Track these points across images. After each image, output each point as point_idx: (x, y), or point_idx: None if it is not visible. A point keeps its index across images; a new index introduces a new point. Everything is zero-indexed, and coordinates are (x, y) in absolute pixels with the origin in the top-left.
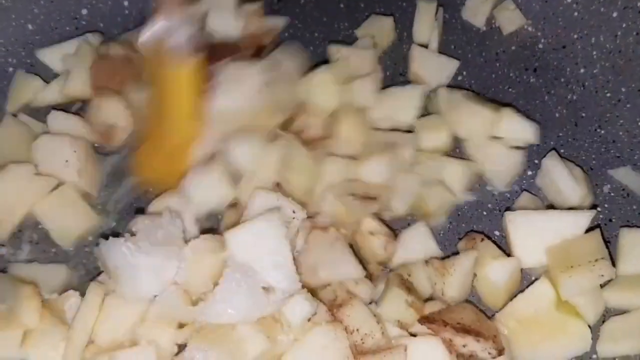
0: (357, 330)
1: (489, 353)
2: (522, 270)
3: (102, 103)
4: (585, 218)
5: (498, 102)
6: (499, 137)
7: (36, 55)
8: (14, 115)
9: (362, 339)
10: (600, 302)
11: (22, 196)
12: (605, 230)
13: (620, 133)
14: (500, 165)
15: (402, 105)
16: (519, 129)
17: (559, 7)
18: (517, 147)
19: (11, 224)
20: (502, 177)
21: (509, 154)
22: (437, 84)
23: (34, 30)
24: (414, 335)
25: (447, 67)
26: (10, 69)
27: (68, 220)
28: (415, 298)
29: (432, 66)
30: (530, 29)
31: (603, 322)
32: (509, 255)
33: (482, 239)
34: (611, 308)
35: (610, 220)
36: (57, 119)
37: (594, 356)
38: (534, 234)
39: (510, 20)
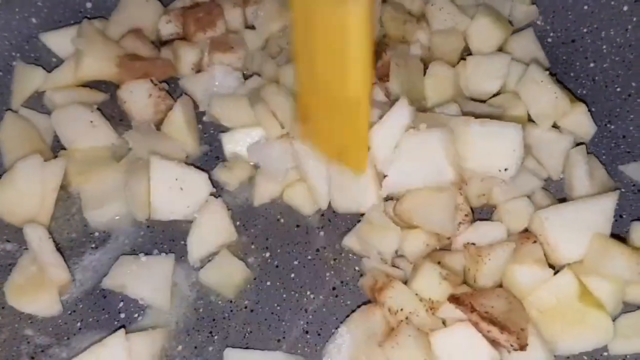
0: (402, 310)
1: (511, 345)
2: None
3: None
4: (610, 202)
5: (572, 93)
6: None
7: (41, 39)
8: (15, 111)
9: (407, 318)
10: (621, 296)
11: (41, 186)
12: (616, 226)
13: (631, 128)
14: (557, 153)
15: (488, 74)
16: (582, 126)
17: (568, 1)
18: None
19: (47, 213)
20: (558, 165)
21: (566, 143)
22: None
23: (37, 24)
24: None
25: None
26: (15, 63)
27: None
28: (449, 272)
29: None
30: (539, 22)
31: (614, 320)
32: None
33: (535, 241)
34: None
35: (621, 217)
36: (60, 95)
37: (605, 353)
38: (571, 228)
39: (526, 14)
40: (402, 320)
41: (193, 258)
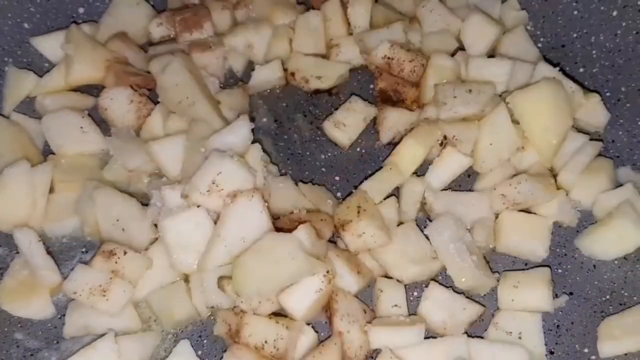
0: (266, 342)
1: None
2: None
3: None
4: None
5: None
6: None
7: (32, 43)
8: (6, 116)
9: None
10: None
11: (30, 191)
12: None
13: (620, 133)
14: (570, 149)
15: (491, 77)
16: (596, 116)
17: (558, 6)
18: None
19: (39, 217)
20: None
21: (579, 139)
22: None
23: (30, 29)
24: None
25: None
26: (6, 68)
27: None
28: None
29: None
30: (529, 27)
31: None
32: None
33: None
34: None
35: None
36: (51, 100)
37: (593, 357)
38: None
39: (515, 19)
40: (271, 352)
41: (140, 294)
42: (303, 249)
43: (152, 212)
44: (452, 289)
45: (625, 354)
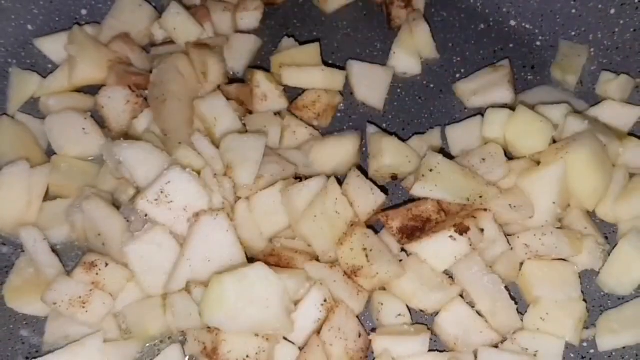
0: (247, 356)
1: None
2: None
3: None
4: None
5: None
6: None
7: (35, 44)
8: (11, 117)
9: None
10: None
11: (26, 192)
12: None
13: None
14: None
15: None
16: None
17: (556, 4)
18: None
19: (32, 219)
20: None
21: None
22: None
23: (33, 31)
24: None
25: None
26: (11, 69)
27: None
28: None
29: None
30: (527, 26)
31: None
32: None
33: None
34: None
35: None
36: (55, 100)
37: (592, 351)
38: None
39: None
40: None
41: (120, 305)
42: (282, 301)
43: (134, 228)
44: (476, 310)
45: (624, 348)
